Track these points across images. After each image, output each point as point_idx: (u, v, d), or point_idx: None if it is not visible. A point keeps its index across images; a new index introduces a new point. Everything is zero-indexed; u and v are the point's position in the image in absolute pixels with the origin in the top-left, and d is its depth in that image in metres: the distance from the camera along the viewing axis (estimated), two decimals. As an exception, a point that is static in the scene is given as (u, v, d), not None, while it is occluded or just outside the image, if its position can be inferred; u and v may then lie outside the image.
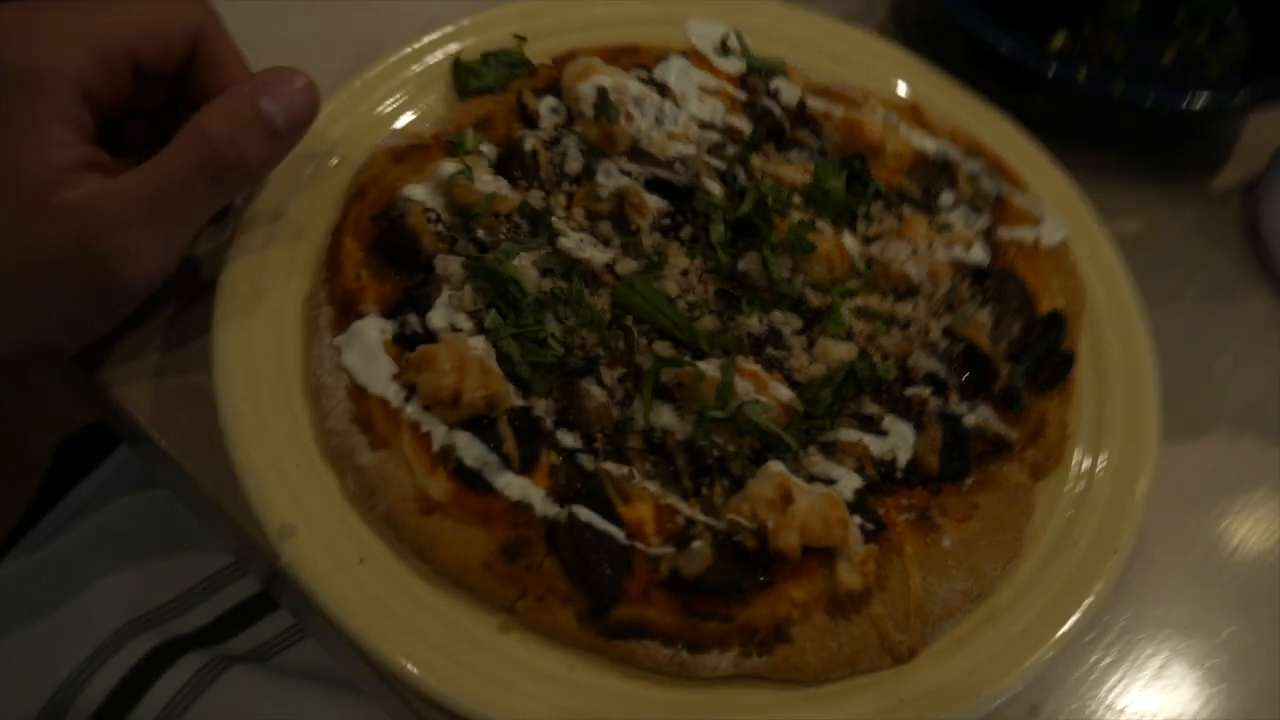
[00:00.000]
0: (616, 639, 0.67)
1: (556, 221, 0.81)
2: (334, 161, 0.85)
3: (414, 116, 0.89)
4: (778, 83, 0.94)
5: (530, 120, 0.88)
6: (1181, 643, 0.80)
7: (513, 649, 0.68)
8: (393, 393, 0.72)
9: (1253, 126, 1.11)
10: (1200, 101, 0.94)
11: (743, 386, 0.74)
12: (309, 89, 0.72)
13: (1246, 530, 0.86)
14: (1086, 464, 0.80)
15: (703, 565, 0.67)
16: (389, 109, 0.89)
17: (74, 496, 1.04)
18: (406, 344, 0.75)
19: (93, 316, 0.74)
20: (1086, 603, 0.73)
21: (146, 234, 0.68)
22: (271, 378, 0.75)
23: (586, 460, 0.73)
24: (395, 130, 0.86)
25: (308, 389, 0.75)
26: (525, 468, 0.71)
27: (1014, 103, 1.00)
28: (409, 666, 0.65)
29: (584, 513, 0.69)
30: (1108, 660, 0.78)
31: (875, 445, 0.75)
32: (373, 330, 0.74)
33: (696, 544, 0.68)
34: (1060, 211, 0.91)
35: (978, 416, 0.78)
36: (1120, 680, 0.78)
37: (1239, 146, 1.10)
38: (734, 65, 0.95)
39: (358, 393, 0.72)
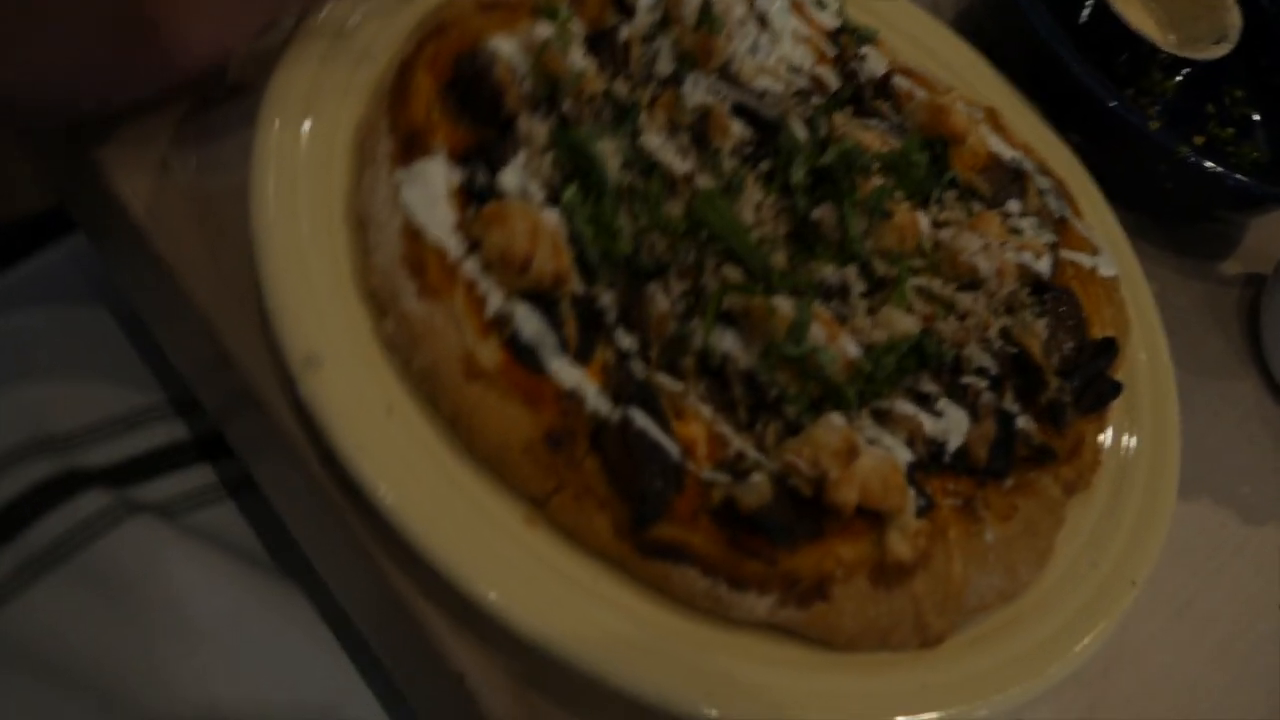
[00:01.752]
0: (653, 557, 0.61)
1: (642, 118, 0.75)
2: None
3: (500, -28, 0.82)
4: (867, 50, 0.91)
5: (627, 9, 0.82)
6: (1157, 684, 0.80)
7: (537, 545, 0.61)
8: (453, 243, 0.65)
9: (1258, 225, 1.15)
10: (1248, 184, 0.96)
11: (814, 332, 0.69)
12: None
13: (1221, 592, 0.88)
14: (1109, 493, 0.79)
15: (761, 500, 0.62)
16: (474, -45, 0.81)
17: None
18: (472, 197, 0.67)
19: (121, 81, 0.63)
20: (1102, 627, 0.72)
21: (208, 9, 0.59)
22: (313, 195, 0.66)
23: (638, 367, 0.67)
24: (482, -21, 0.79)
25: (350, 217, 0.67)
26: (580, 357, 0.65)
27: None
28: (430, 536, 0.57)
29: (639, 417, 0.62)
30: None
31: (930, 424, 0.72)
32: (439, 173, 0.67)
33: (757, 477, 0.63)
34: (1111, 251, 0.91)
35: (1025, 421, 0.76)
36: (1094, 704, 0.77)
37: (1245, 240, 1.14)
38: (829, 20, 0.92)
39: (412, 234, 0.64)
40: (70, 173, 0.75)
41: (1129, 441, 0.82)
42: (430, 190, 0.66)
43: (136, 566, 0.79)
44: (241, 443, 0.75)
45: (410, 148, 0.68)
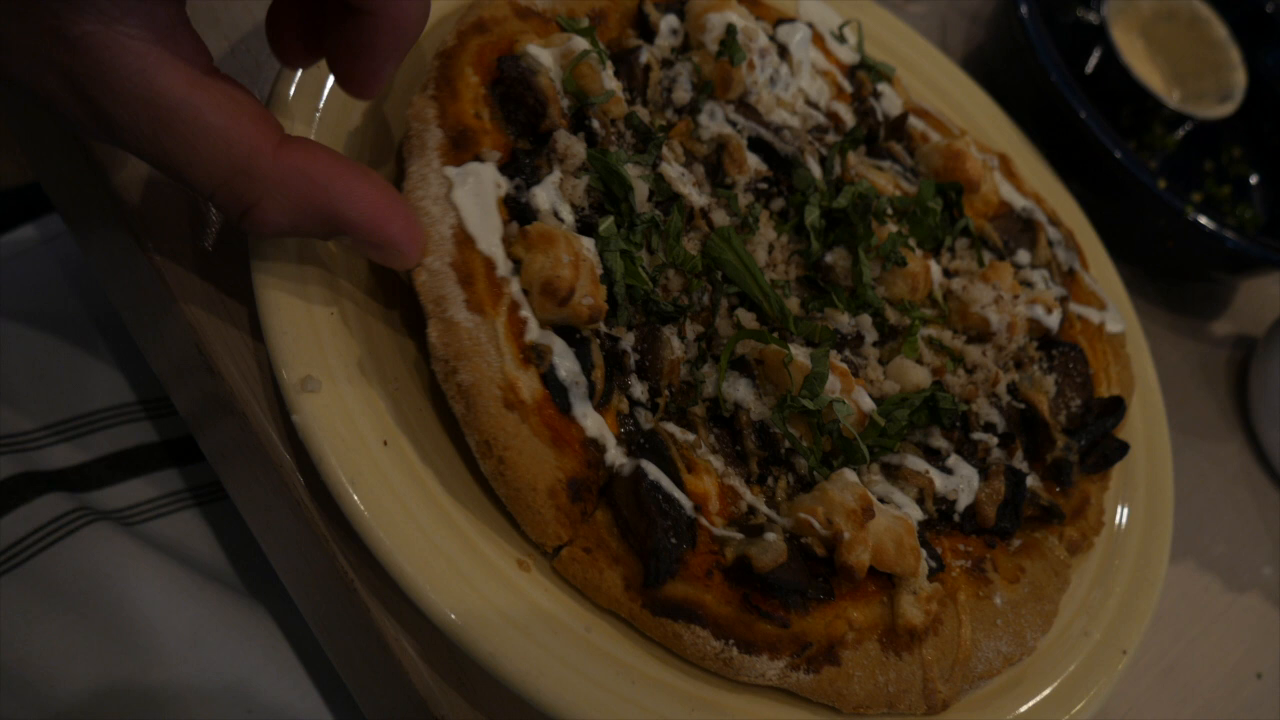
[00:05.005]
0: (664, 616, 0.58)
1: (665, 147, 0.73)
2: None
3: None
4: (883, 88, 0.90)
5: (648, 33, 0.79)
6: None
7: (529, 590, 0.58)
8: (501, 257, 0.61)
9: (1249, 287, 1.15)
10: (1247, 247, 0.96)
11: (830, 383, 0.67)
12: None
13: (1203, 658, 0.87)
14: (1102, 557, 0.78)
15: (776, 560, 0.59)
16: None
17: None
18: (515, 212, 0.64)
19: None
20: (1095, 694, 0.71)
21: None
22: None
23: (644, 416, 0.64)
24: (513, -15, 0.75)
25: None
26: (600, 405, 0.62)
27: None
28: (421, 579, 0.54)
29: (652, 470, 0.60)
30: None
31: (940, 481, 0.70)
32: (491, 180, 0.62)
33: (771, 535, 0.61)
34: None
35: (1032, 480, 0.74)
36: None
37: (1236, 301, 1.14)
38: (847, 55, 0.90)
39: (464, 240, 0.60)
40: (54, 153, 0.71)
41: (1122, 507, 0.81)
42: (483, 197, 0.61)
43: (92, 577, 0.75)
44: (216, 453, 0.71)
45: (461, 146, 0.63)
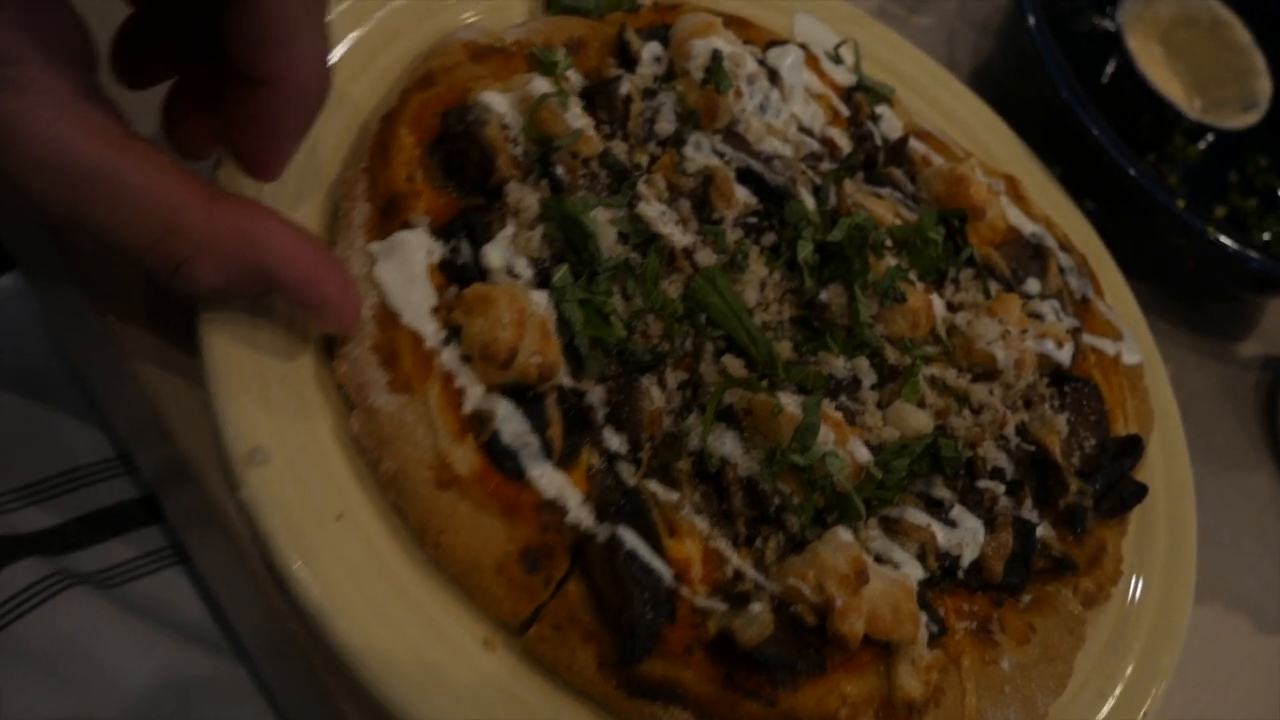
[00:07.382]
0: (640, 698, 0.54)
1: (641, 184, 0.69)
2: (395, 41, 0.70)
3: (491, 14, 0.75)
4: (882, 110, 0.85)
5: (629, 61, 0.75)
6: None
7: (496, 672, 0.54)
8: (430, 330, 0.58)
9: (1276, 307, 1.10)
10: (1273, 266, 0.91)
11: (822, 434, 0.63)
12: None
13: (1232, 706, 0.82)
14: (1120, 608, 0.74)
15: (761, 634, 0.55)
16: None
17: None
18: (454, 275, 0.61)
19: None
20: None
21: None
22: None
23: (627, 471, 0.60)
24: (473, 25, 0.72)
25: (316, 291, 0.59)
26: (563, 461, 0.58)
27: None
28: (372, 663, 0.51)
29: (630, 537, 0.56)
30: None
31: (943, 535, 0.66)
32: (419, 246, 0.60)
33: (757, 606, 0.57)
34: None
35: (1043, 529, 0.70)
36: None
37: (1264, 321, 1.09)
38: (843, 77, 0.85)
39: (387, 317, 0.58)
40: (7, 203, 0.68)
41: (1143, 547, 0.77)
42: (408, 267, 0.59)
43: (71, 643, 0.72)
44: (178, 518, 0.68)
45: (388, 215, 0.61)
